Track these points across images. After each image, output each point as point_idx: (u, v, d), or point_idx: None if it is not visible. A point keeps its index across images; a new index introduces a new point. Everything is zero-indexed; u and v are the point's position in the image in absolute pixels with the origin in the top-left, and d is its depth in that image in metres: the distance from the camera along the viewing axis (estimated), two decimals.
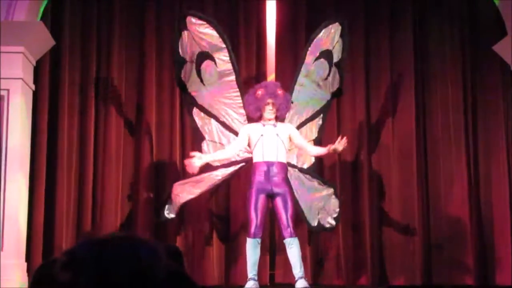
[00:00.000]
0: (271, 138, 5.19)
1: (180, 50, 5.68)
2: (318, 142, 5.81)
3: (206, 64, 5.64)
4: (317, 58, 5.72)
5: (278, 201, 5.12)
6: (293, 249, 5.07)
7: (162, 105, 6.65)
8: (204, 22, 5.63)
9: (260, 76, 6.43)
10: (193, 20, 5.63)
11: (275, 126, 5.24)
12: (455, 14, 6.81)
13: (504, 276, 6.34)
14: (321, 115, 5.91)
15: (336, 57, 5.81)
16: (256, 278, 5.15)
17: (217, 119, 5.77)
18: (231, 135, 5.71)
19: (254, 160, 5.23)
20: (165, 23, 6.72)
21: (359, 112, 6.72)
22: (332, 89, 5.88)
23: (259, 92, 5.24)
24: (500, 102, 6.65)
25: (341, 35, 5.79)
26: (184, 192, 5.75)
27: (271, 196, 5.16)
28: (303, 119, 5.81)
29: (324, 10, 6.79)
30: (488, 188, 6.58)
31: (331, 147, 5.17)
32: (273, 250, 6.07)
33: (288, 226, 5.06)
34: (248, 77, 6.56)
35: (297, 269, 5.06)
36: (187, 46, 5.65)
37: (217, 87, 5.68)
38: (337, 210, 5.84)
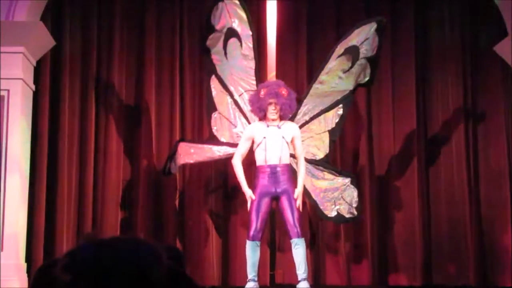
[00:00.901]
0: (275, 140, 5.15)
1: (212, 18, 5.67)
2: (334, 133, 5.77)
3: (232, 41, 5.65)
4: (340, 55, 5.67)
5: (284, 202, 5.09)
6: (298, 250, 5.05)
7: (162, 105, 6.65)
8: (239, 4, 5.65)
9: (260, 74, 6.41)
10: None
11: (279, 127, 5.19)
12: (456, 15, 6.81)
13: (505, 276, 6.34)
14: (341, 105, 5.78)
15: (366, 51, 5.68)
16: (256, 279, 5.14)
17: (231, 96, 5.73)
18: (241, 117, 5.69)
19: (257, 163, 5.19)
20: (165, 23, 6.73)
21: (360, 112, 6.71)
22: (359, 80, 5.79)
23: (262, 91, 5.20)
24: (500, 102, 6.65)
25: (377, 32, 5.68)
26: (186, 154, 5.74)
27: (276, 198, 5.13)
28: (318, 110, 5.75)
29: (324, 8, 6.79)
30: (488, 188, 6.57)
31: (299, 193, 5.14)
32: (273, 250, 6.05)
33: (295, 226, 5.03)
34: None
35: (301, 270, 5.04)
36: (220, 16, 5.65)
37: (238, 66, 5.68)
38: (356, 199, 5.72)
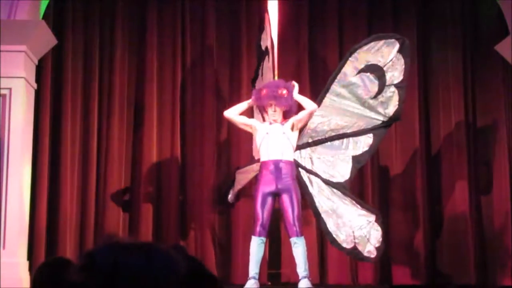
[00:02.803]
0: (277, 136, 5.17)
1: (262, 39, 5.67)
2: (359, 161, 5.48)
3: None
4: (361, 71, 5.41)
5: (285, 199, 5.09)
6: (298, 249, 5.05)
7: (163, 104, 6.65)
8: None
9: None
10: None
11: (282, 124, 5.22)
12: (457, 13, 6.81)
13: (506, 276, 6.34)
14: (371, 134, 5.50)
15: (393, 77, 5.41)
16: (257, 277, 5.13)
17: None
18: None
19: (261, 159, 5.22)
20: (167, 22, 6.74)
21: None
22: (387, 111, 5.45)
23: (264, 91, 5.21)
24: (502, 101, 6.65)
25: (401, 54, 5.40)
26: (239, 180, 5.80)
27: (277, 194, 5.14)
28: (336, 132, 5.48)
29: (326, 9, 6.79)
30: (489, 188, 6.57)
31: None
32: (273, 249, 6.06)
33: (294, 225, 5.03)
34: (250, 76, 6.56)
35: (301, 268, 5.04)
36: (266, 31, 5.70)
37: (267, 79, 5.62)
38: (380, 240, 5.33)
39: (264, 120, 5.35)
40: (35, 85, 6.27)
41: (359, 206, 5.41)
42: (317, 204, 5.38)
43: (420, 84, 6.72)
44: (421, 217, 6.52)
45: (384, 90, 5.42)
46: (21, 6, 5.97)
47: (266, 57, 5.62)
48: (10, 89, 5.92)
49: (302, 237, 5.06)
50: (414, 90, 6.65)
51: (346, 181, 5.45)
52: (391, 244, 6.49)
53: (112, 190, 6.47)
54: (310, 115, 5.28)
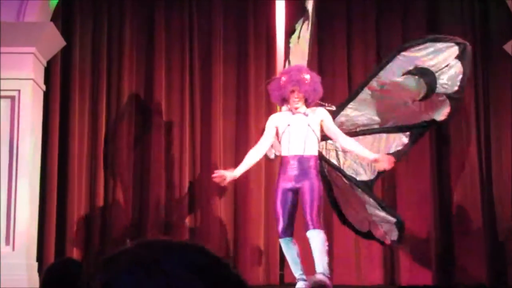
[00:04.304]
0: (300, 128, 4.71)
1: None
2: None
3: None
4: (408, 72, 4.92)
5: (303, 195, 4.64)
6: (312, 244, 4.59)
7: (172, 105, 6.66)
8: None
9: (269, 74, 6.42)
10: None
11: (306, 115, 4.74)
12: (466, 13, 6.79)
13: None
14: (408, 132, 5.06)
15: (446, 85, 4.88)
16: (303, 277, 4.69)
17: None
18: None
19: (282, 153, 4.80)
20: (175, 23, 6.74)
21: None
22: (431, 115, 5.00)
23: (283, 78, 4.75)
24: (511, 100, 6.62)
25: (460, 61, 4.87)
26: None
27: (298, 190, 4.70)
28: (369, 127, 5.11)
29: (333, 9, 6.78)
30: (500, 186, 6.53)
31: (378, 158, 4.66)
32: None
33: (308, 220, 4.59)
34: (258, 75, 6.57)
35: (317, 264, 4.60)
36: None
37: None
38: (397, 237, 5.05)
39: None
40: (43, 87, 6.28)
41: (380, 209, 4.99)
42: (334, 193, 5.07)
43: None
44: (430, 215, 6.49)
45: (432, 98, 4.91)
46: (30, 8, 5.99)
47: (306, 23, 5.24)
48: (19, 91, 5.94)
49: (317, 229, 4.56)
50: None
51: (371, 181, 5.09)
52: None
53: (120, 192, 6.47)
54: (335, 140, 4.91)
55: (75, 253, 6.16)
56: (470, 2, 6.80)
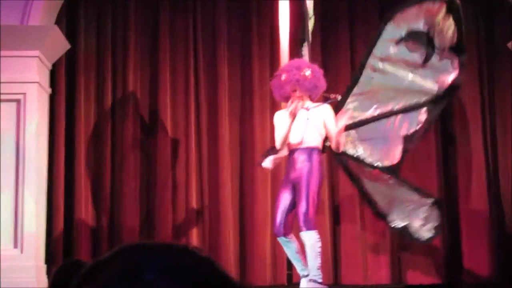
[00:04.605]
0: (300, 123, 4.64)
1: None
2: (408, 141, 4.94)
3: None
4: (402, 39, 4.82)
5: (297, 192, 4.59)
6: (305, 246, 4.55)
7: (177, 107, 6.67)
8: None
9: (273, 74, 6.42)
10: None
11: (307, 109, 4.68)
12: (470, 11, 6.77)
13: None
14: (425, 108, 4.89)
15: (444, 42, 4.80)
16: (305, 273, 4.60)
17: None
18: None
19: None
20: (179, 25, 6.75)
21: None
22: (445, 76, 4.84)
23: (283, 76, 4.70)
24: None
25: (450, 14, 4.82)
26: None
27: (295, 186, 4.65)
28: (382, 109, 4.95)
29: (336, 9, 6.78)
30: (507, 183, 6.52)
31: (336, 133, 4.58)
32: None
33: (300, 221, 4.51)
34: (262, 76, 6.57)
35: (309, 265, 4.53)
36: None
37: None
38: (439, 220, 4.94)
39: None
40: (49, 90, 6.30)
41: (413, 190, 4.88)
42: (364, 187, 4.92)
43: None
44: None
45: (434, 57, 4.79)
46: (34, 11, 6.01)
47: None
48: (24, 94, 5.96)
49: (309, 231, 4.49)
50: None
51: (397, 164, 4.91)
52: (405, 242, 6.46)
53: (127, 193, 6.48)
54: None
55: (83, 255, 6.18)
56: (473, 2, 6.78)
